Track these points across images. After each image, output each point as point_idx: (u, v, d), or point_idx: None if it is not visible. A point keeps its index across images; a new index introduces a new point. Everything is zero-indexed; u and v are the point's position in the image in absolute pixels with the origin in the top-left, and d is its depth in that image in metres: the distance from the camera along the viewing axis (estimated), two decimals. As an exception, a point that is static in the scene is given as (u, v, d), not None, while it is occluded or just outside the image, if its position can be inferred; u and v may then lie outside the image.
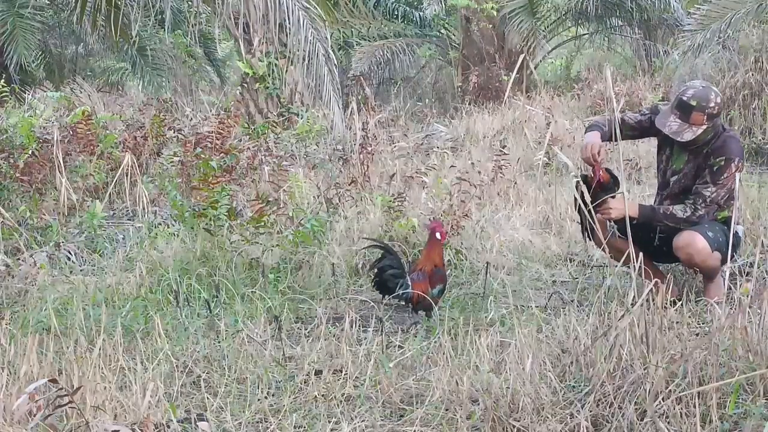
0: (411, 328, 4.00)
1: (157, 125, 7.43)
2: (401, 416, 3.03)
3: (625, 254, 3.38)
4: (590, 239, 4.25)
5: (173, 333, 3.77)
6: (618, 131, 3.85)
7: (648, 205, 4.16)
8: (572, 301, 4.20)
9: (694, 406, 2.59)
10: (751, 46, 10.04)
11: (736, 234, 4.11)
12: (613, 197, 4.05)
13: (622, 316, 2.95)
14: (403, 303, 4.15)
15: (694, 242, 3.96)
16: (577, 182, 3.92)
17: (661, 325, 2.95)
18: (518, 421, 2.77)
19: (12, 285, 4.50)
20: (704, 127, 3.96)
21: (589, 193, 3.79)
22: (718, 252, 3.98)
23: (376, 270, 4.19)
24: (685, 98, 3.98)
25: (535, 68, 12.62)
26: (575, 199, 4.09)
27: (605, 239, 4.00)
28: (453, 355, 3.28)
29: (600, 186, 4.04)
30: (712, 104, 3.94)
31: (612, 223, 4.12)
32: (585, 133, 4.27)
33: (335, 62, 8.28)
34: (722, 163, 3.98)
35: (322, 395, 3.17)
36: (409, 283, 4.03)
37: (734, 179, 3.97)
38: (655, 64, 13.09)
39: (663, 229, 4.13)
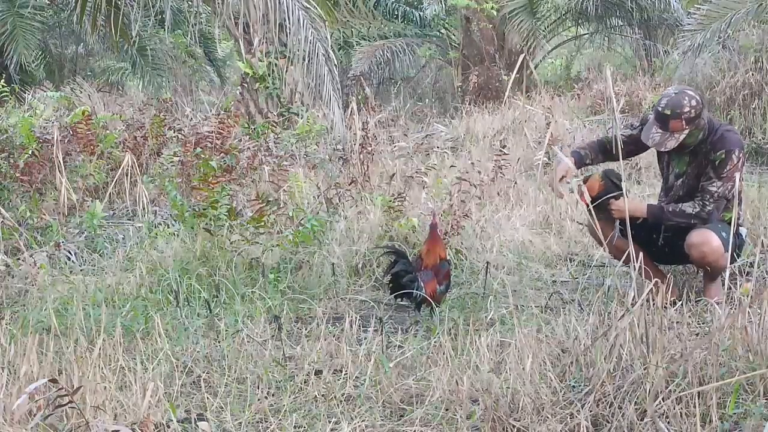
0: (411, 328, 4.00)
1: (157, 125, 7.42)
2: (401, 416, 3.03)
3: (626, 253, 3.38)
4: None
5: (173, 333, 3.77)
6: (619, 146, 3.81)
7: (656, 204, 4.15)
8: (572, 301, 4.21)
9: (694, 406, 2.59)
10: (751, 46, 10.05)
11: (740, 236, 4.12)
12: (616, 198, 4.04)
13: (622, 316, 2.95)
14: (413, 305, 4.15)
15: (709, 241, 3.95)
16: (579, 185, 3.92)
17: (661, 325, 2.95)
18: (518, 421, 2.77)
19: (12, 285, 4.50)
20: (686, 131, 3.95)
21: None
22: (728, 253, 3.98)
23: (391, 276, 4.18)
24: (660, 108, 3.98)
25: (535, 68, 12.62)
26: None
27: (608, 239, 4.01)
28: (453, 355, 3.28)
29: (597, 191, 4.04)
30: (687, 109, 3.92)
31: (618, 224, 4.11)
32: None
33: (335, 62, 8.28)
34: (723, 156, 3.98)
35: (322, 395, 3.17)
36: (422, 284, 4.03)
37: (738, 170, 3.97)
38: (655, 64, 13.09)
39: (668, 228, 4.13)
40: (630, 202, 4.03)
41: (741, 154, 4.02)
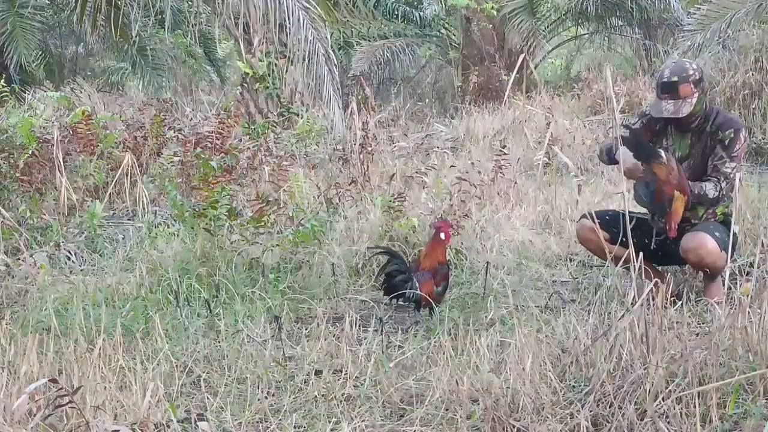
0: (411, 328, 4.00)
1: (157, 125, 7.41)
2: (401, 416, 3.03)
3: (622, 259, 3.37)
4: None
5: (173, 333, 3.77)
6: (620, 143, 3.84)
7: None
8: (572, 301, 4.21)
9: (694, 406, 2.59)
10: (751, 46, 10.05)
11: (734, 234, 4.12)
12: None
13: (622, 316, 2.95)
14: (412, 305, 4.14)
15: (705, 244, 3.96)
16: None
17: (661, 325, 2.95)
18: (518, 421, 2.77)
19: (12, 285, 4.50)
20: (696, 95, 4.02)
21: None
22: (725, 252, 3.99)
23: (384, 276, 4.17)
24: (665, 79, 4.04)
25: (535, 68, 12.60)
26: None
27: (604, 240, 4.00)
28: (453, 355, 3.28)
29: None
30: (691, 72, 4.03)
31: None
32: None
33: (335, 62, 8.28)
34: (732, 135, 4.04)
35: (322, 395, 3.17)
36: (417, 284, 4.02)
37: (744, 151, 4.07)
38: (655, 64, 13.06)
39: (659, 232, 4.12)
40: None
41: (746, 134, 4.13)
